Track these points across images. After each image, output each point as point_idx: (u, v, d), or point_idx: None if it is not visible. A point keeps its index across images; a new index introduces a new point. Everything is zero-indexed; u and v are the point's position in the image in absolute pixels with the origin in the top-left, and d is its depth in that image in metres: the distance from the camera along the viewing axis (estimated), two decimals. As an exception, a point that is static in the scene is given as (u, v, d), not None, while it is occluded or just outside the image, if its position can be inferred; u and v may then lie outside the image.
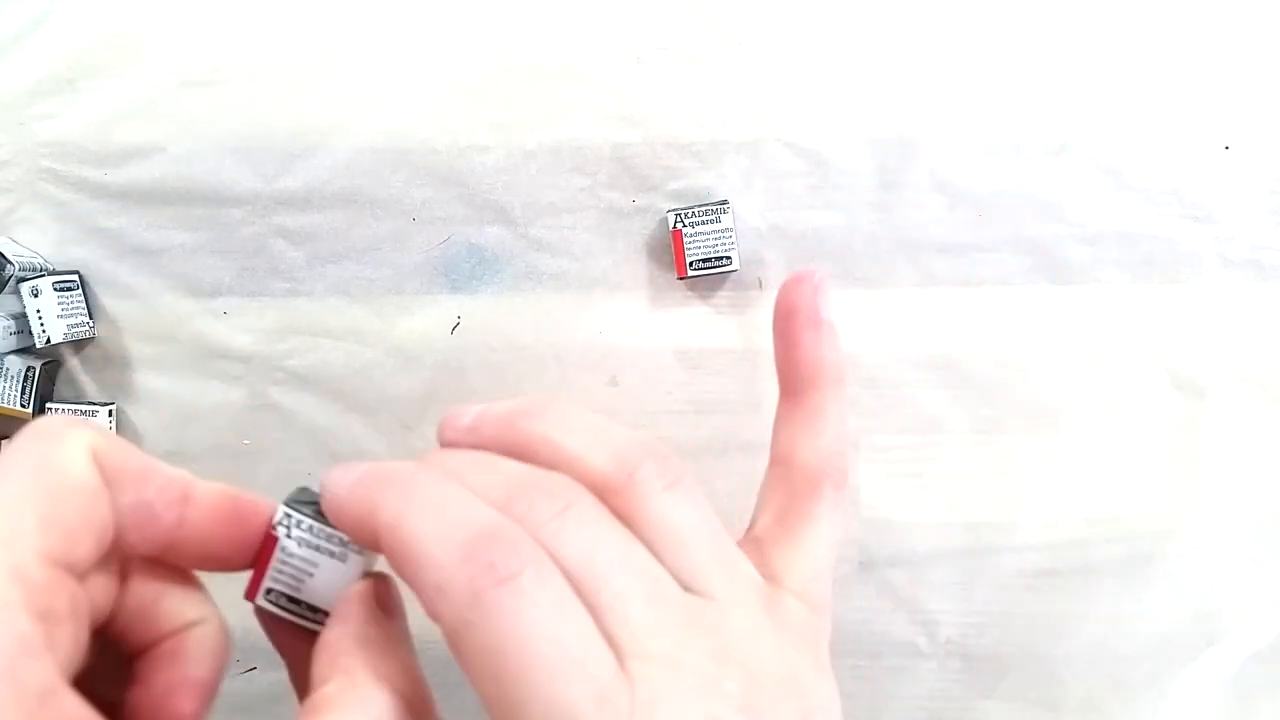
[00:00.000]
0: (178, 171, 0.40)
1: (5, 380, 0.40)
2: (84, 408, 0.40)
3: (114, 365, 0.41)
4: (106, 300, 0.41)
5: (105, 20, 0.40)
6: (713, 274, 0.38)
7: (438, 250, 0.41)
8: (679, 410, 0.40)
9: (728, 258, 0.38)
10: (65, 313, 0.39)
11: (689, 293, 0.40)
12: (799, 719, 0.21)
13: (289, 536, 0.23)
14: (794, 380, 0.29)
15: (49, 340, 0.39)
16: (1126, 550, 0.40)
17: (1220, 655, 0.41)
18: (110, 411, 0.41)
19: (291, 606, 0.23)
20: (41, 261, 0.40)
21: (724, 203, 0.39)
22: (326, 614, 0.23)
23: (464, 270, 0.41)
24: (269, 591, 0.23)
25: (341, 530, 0.23)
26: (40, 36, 0.41)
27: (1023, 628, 0.40)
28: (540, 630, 0.19)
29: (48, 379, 0.41)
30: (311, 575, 0.23)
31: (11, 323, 0.40)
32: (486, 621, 0.19)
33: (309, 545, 0.23)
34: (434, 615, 0.21)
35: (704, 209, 0.38)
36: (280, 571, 0.23)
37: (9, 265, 0.39)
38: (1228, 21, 0.39)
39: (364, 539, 0.23)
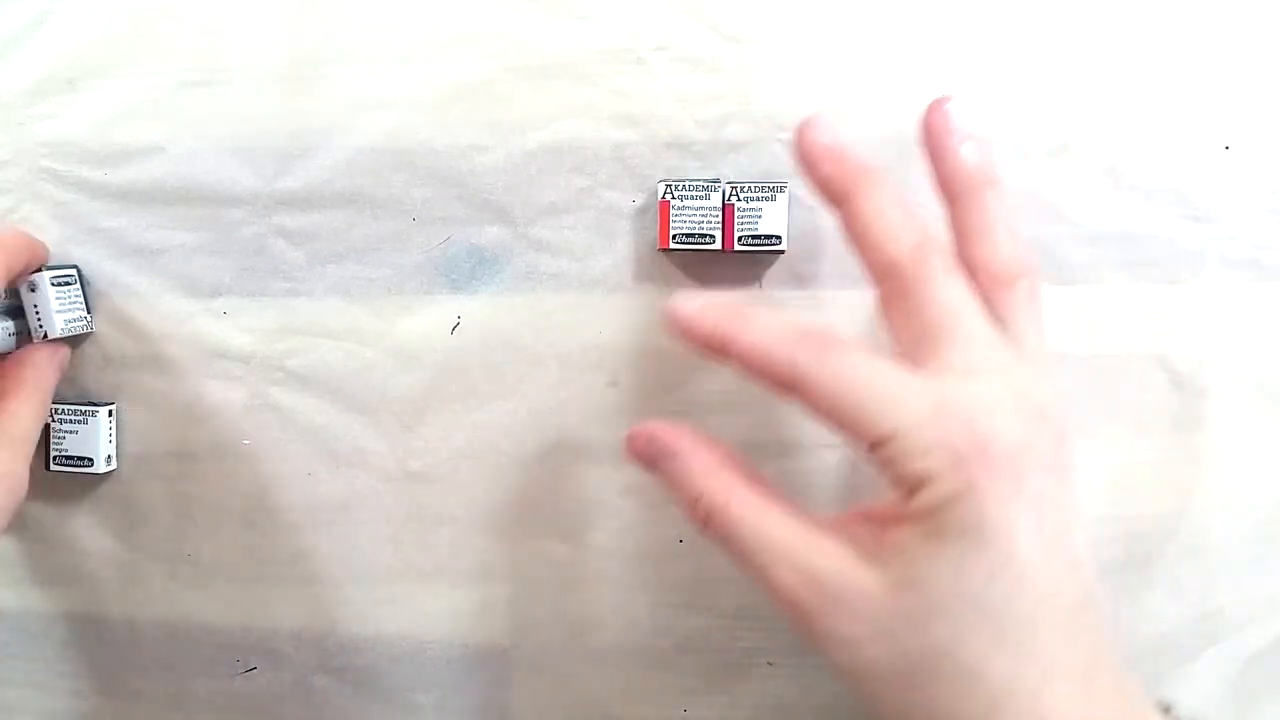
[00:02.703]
0: (178, 171, 0.40)
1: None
2: (84, 407, 0.40)
3: (114, 365, 0.41)
4: (106, 301, 0.41)
5: (105, 20, 0.40)
6: (695, 250, 0.38)
7: (438, 250, 0.41)
8: (679, 410, 0.40)
9: (711, 236, 0.38)
10: (63, 307, 0.39)
11: (689, 293, 0.40)
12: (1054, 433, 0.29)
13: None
14: (952, 193, 0.32)
15: (46, 335, 0.39)
16: (1126, 550, 0.40)
17: (1221, 655, 0.41)
18: (110, 411, 0.41)
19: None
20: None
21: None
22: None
23: (464, 270, 0.41)
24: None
25: (696, 342, 0.31)
26: (40, 36, 0.41)
27: (1023, 628, 0.40)
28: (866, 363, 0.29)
29: (48, 379, 0.41)
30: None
31: (10, 324, 0.40)
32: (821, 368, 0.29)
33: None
34: (787, 379, 0.29)
35: (695, 183, 0.38)
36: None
37: None
38: (1228, 21, 0.39)
39: (712, 349, 0.31)
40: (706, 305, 0.31)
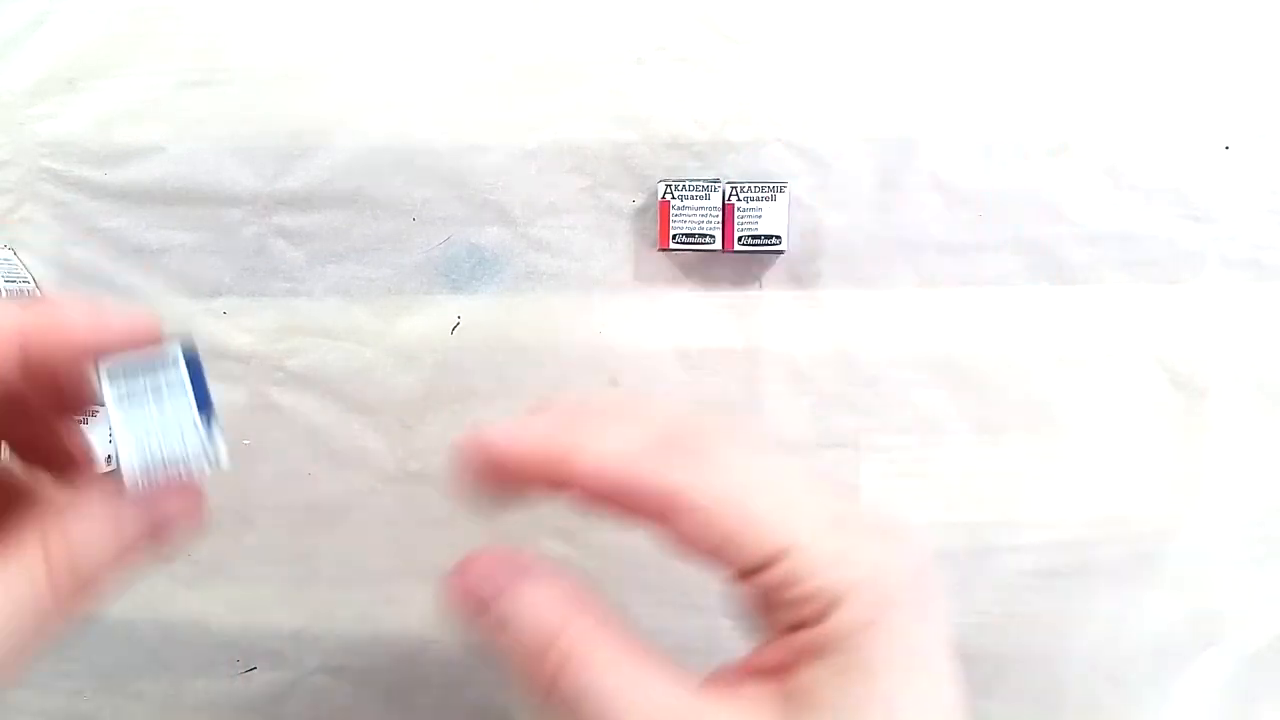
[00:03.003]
0: (178, 171, 0.40)
1: None
2: (84, 408, 0.40)
3: (114, 365, 0.41)
4: (106, 300, 0.41)
5: (105, 20, 0.40)
6: (696, 250, 0.38)
7: (438, 250, 0.41)
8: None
9: (711, 236, 0.38)
10: (132, 424, 0.23)
11: (689, 293, 0.40)
12: None
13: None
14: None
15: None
16: (1126, 550, 0.40)
17: (1220, 655, 0.41)
18: (110, 411, 0.40)
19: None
20: (31, 287, 0.40)
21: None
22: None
23: (464, 270, 0.41)
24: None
25: (518, 468, 0.23)
26: (40, 36, 0.41)
27: (1023, 628, 0.40)
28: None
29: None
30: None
31: None
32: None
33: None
34: (657, 491, 0.22)
35: (695, 184, 0.38)
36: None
37: None
38: (1228, 21, 0.39)
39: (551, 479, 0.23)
40: (525, 423, 0.23)
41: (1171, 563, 0.40)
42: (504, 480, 0.23)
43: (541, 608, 0.23)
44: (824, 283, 0.40)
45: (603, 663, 0.22)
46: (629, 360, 0.40)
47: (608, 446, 0.23)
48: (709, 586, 0.41)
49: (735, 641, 0.41)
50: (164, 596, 0.42)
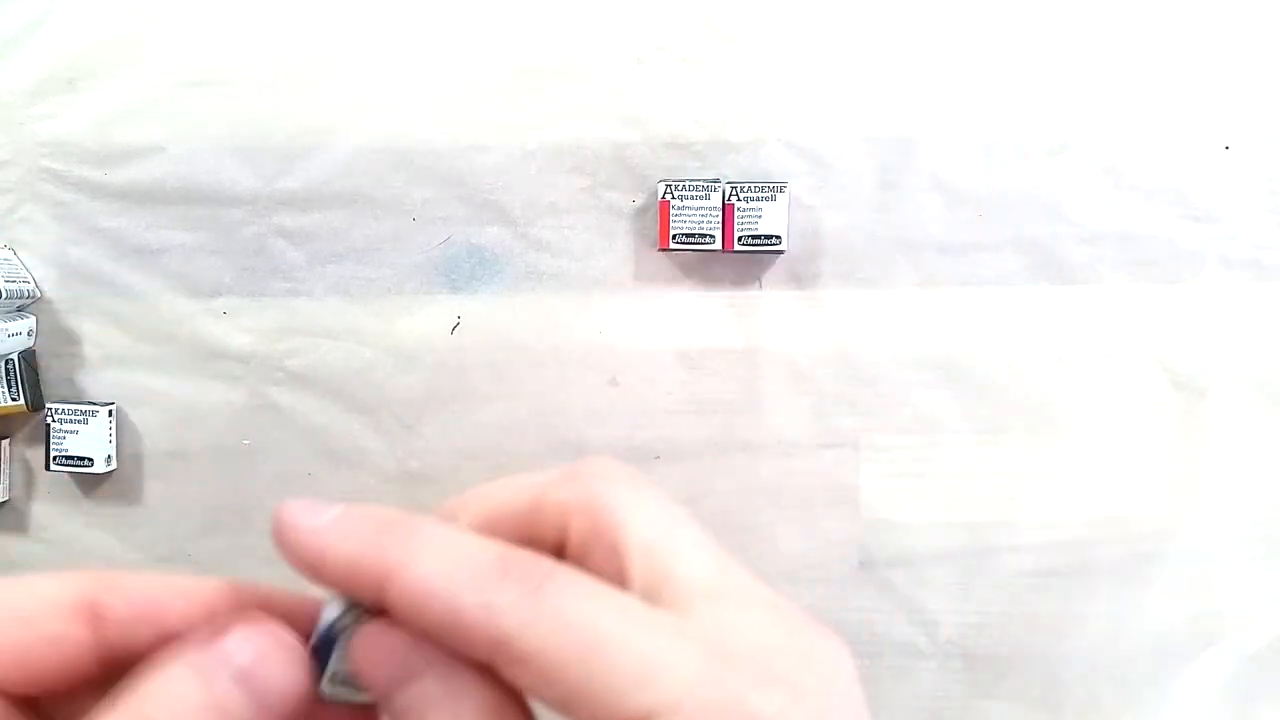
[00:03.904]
0: (178, 171, 0.40)
1: None
2: (84, 407, 0.40)
3: (114, 365, 0.41)
4: (106, 300, 0.41)
5: (105, 20, 0.40)
6: (695, 250, 0.38)
7: (438, 250, 0.41)
8: (679, 410, 0.40)
9: (711, 236, 0.38)
10: None
11: (689, 293, 0.40)
12: None
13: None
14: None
15: None
16: (1126, 550, 0.40)
17: (1220, 655, 0.41)
18: (110, 411, 0.41)
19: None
20: (31, 287, 0.40)
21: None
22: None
23: (464, 270, 0.41)
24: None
25: (327, 581, 0.19)
26: (40, 36, 0.41)
27: (1023, 628, 0.40)
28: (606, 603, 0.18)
29: (30, 368, 0.41)
30: None
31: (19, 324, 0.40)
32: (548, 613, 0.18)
33: None
34: (484, 636, 0.18)
35: (695, 184, 0.38)
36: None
37: None
38: (1228, 21, 0.39)
39: (359, 585, 0.19)
40: (347, 517, 0.20)
41: (1171, 563, 0.40)
42: (310, 576, 0.20)
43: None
44: (824, 283, 0.40)
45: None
46: (629, 360, 0.40)
47: (432, 567, 0.19)
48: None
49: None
50: (164, 596, 0.42)
